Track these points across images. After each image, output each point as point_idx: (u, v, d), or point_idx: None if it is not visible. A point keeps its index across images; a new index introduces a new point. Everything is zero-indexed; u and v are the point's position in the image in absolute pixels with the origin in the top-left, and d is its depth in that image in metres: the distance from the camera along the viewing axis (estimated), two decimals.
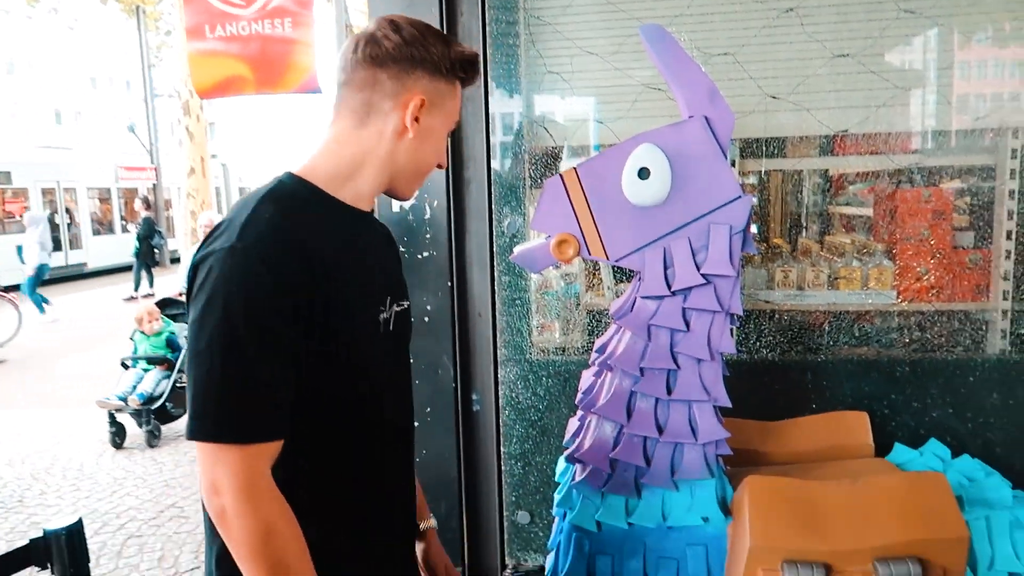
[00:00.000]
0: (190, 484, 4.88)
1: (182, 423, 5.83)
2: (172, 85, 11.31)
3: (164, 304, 6.41)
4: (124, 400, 5.65)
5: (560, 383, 2.15)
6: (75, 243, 20.88)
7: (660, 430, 1.51)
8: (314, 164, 1.23)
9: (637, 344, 1.54)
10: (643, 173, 1.51)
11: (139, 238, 14.19)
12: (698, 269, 1.50)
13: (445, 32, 2.00)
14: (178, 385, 5.87)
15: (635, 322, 1.54)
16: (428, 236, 2.15)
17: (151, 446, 5.60)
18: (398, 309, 1.30)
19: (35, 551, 1.50)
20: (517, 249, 1.62)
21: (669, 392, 1.52)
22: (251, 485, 1.05)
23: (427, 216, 2.14)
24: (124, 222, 21.96)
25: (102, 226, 22.05)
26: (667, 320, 1.52)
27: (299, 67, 2.84)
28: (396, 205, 2.15)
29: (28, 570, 1.53)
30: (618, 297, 2.36)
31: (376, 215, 1.53)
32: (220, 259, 1.07)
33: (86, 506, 4.60)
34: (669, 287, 1.51)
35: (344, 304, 1.17)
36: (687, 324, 1.52)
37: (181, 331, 6.04)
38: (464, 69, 1.27)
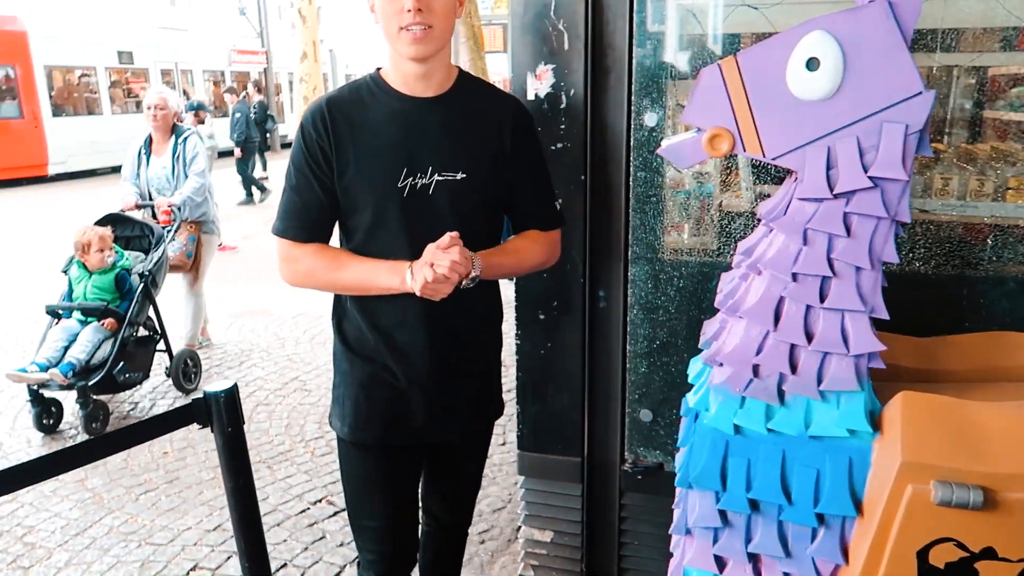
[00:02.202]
0: (311, 359, 5.16)
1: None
2: None
3: (114, 222, 4.56)
4: (46, 370, 3.88)
5: (692, 285, 2.10)
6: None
7: (809, 338, 1.46)
8: None
9: (790, 248, 1.47)
10: (812, 64, 1.40)
11: (254, 123, 14.56)
12: (865, 171, 1.40)
13: None
14: (129, 342, 4.20)
15: (790, 225, 1.46)
16: (563, 127, 2.09)
17: (89, 434, 3.95)
18: (442, 178, 1.61)
19: (196, 410, 1.62)
20: (665, 142, 1.55)
21: (822, 300, 1.45)
22: (285, 260, 1.69)
23: (562, 106, 2.08)
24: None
25: (216, 109, 22.70)
26: (826, 224, 1.43)
27: None
28: (531, 92, 2.09)
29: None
30: (756, 197, 2.27)
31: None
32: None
33: (218, 373, 4.95)
34: (831, 189, 1.42)
35: (361, 165, 1.60)
36: (848, 229, 1.43)
37: (138, 262, 4.44)
38: None
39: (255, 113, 14.77)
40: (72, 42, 18.28)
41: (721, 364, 1.54)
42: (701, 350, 1.66)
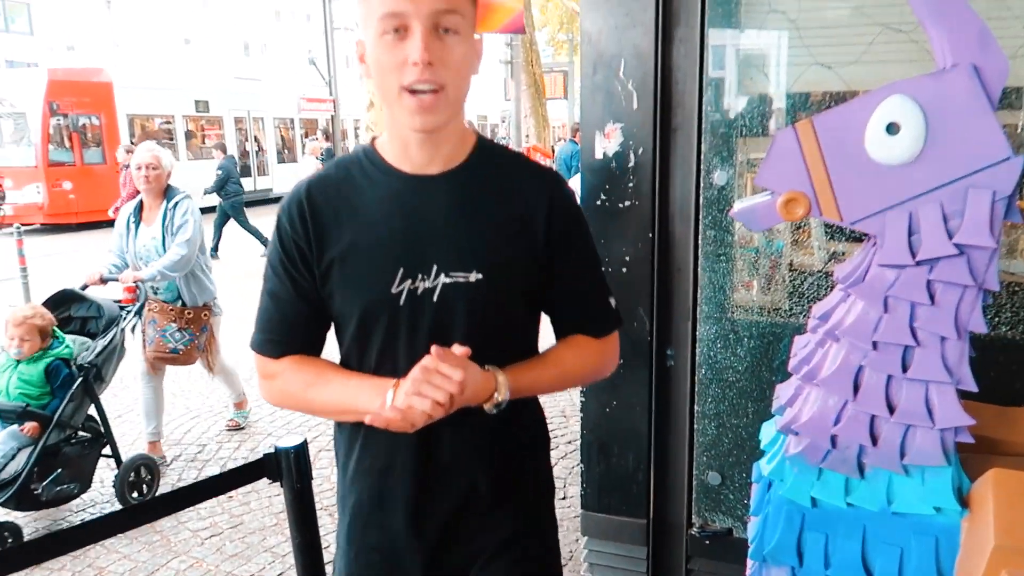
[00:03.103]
0: None
1: None
2: (352, 18, 11.68)
3: (69, 300, 3.92)
4: None
5: (762, 345, 2.05)
6: (262, 170, 22.44)
7: (891, 409, 1.40)
8: None
9: (870, 315, 1.42)
10: (892, 128, 1.37)
11: None
12: (950, 237, 1.35)
13: None
14: (60, 449, 3.48)
15: (869, 292, 1.42)
16: (631, 185, 2.09)
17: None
18: (450, 280, 1.24)
19: (268, 465, 1.64)
20: (737, 205, 1.54)
21: (905, 369, 1.40)
22: (261, 376, 1.37)
23: (630, 164, 2.08)
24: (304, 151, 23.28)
25: (285, 154, 23.50)
26: (908, 292, 1.39)
27: (505, 7, 2.80)
28: (600, 151, 2.10)
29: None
30: (829, 256, 2.22)
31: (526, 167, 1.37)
32: None
33: (283, 418, 5.01)
34: (913, 256, 1.38)
35: (346, 266, 1.26)
36: (932, 297, 1.38)
37: (84, 349, 3.72)
38: None
39: (323, 159, 15.24)
40: (153, 92, 19.21)
41: (797, 433, 1.49)
42: (773, 413, 1.62)
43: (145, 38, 42.19)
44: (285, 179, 22.79)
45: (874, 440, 1.42)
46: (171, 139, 19.63)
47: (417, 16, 1.13)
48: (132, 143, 18.16)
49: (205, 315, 4.28)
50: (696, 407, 2.14)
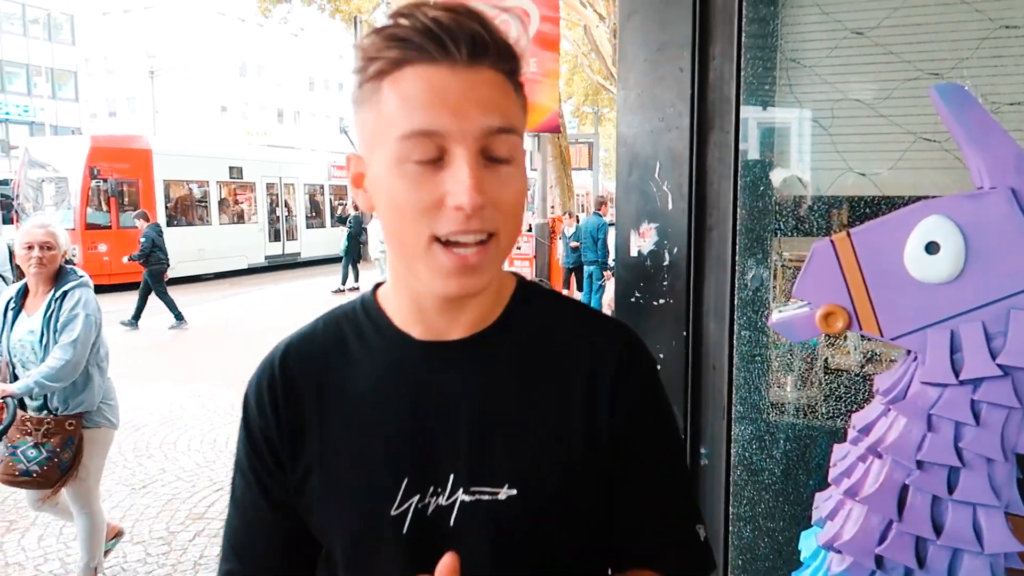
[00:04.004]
0: None
1: None
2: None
3: None
4: None
5: (799, 448, 2.03)
6: (291, 235, 22.88)
7: (938, 531, 1.38)
8: None
9: (913, 433, 1.41)
10: (931, 248, 1.38)
11: (349, 236, 15.26)
12: (993, 358, 1.35)
13: (697, 78, 1.95)
14: None
15: (912, 409, 1.41)
16: (665, 283, 2.10)
17: None
18: (470, 498, 0.87)
19: None
20: (775, 316, 1.54)
21: (951, 491, 1.37)
22: None
23: (665, 263, 2.10)
24: (333, 217, 23.73)
25: (314, 220, 23.96)
26: (952, 412, 1.37)
27: (542, 106, 2.89)
28: (635, 249, 2.13)
29: None
30: (865, 358, 2.21)
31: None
32: None
33: None
34: (956, 375, 1.37)
35: (330, 471, 0.91)
36: (976, 418, 1.37)
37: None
38: (392, 46, 0.79)
39: (351, 227, 15.48)
40: (189, 158, 19.80)
41: (840, 552, 1.46)
42: (809, 519, 1.59)
43: (184, 105, 43.67)
44: (314, 244, 23.20)
45: (920, 563, 1.39)
46: (205, 204, 20.11)
47: (461, 138, 0.78)
48: (167, 207, 18.64)
49: (71, 426, 3.29)
50: (731, 509, 2.11)
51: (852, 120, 1.97)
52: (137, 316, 11.68)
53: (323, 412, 0.91)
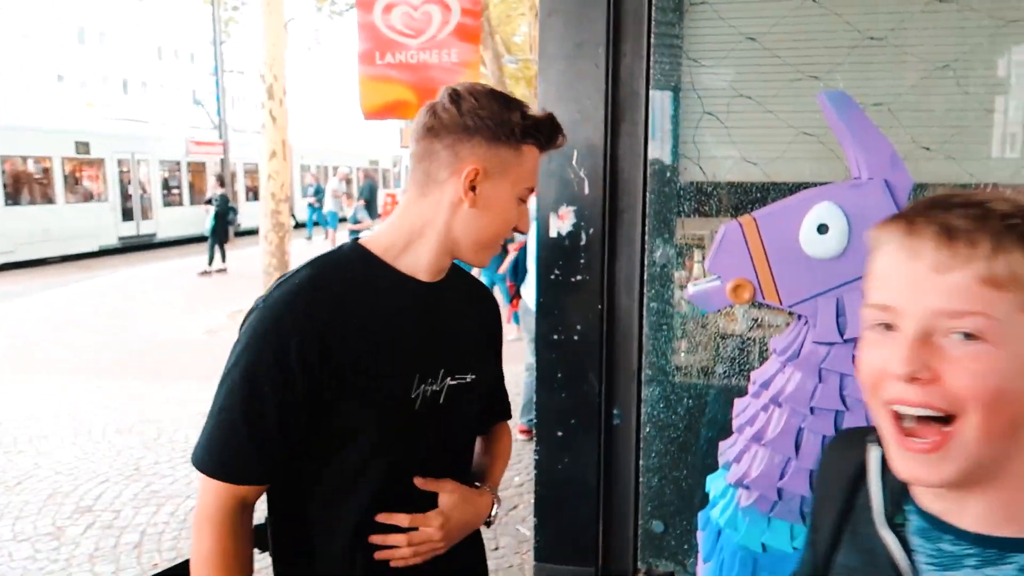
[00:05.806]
0: None
1: None
2: (256, 69, 11.53)
3: None
4: None
5: (700, 405, 2.30)
6: (146, 214, 21.57)
7: None
8: (379, 233, 1.28)
9: (807, 384, 1.67)
10: (822, 229, 1.64)
11: (215, 215, 14.65)
12: None
13: (611, 75, 2.15)
14: None
15: (806, 365, 1.68)
16: (582, 261, 2.31)
17: None
18: (454, 382, 1.26)
19: (259, 536, 1.71)
20: (691, 289, 1.77)
21: (836, 430, 1.65)
22: (210, 515, 1.16)
23: (582, 242, 2.30)
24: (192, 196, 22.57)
25: (172, 198, 22.69)
26: (838, 365, 1.65)
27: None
28: (554, 230, 2.31)
29: None
30: (753, 323, 2.51)
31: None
32: (254, 312, 1.20)
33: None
34: (842, 335, 1.64)
35: (360, 373, 1.18)
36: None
37: None
38: (533, 133, 1.20)
39: (217, 205, 14.88)
40: (30, 131, 18.26)
41: (748, 487, 1.72)
42: (709, 467, 1.84)
43: (14, 74, 39.90)
44: (171, 223, 22.02)
45: (811, 490, 1.66)
46: (47, 181, 18.65)
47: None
48: (3, 185, 17.15)
49: None
50: (641, 461, 2.35)
51: (744, 115, 2.24)
52: None
53: (350, 332, 1.18)
